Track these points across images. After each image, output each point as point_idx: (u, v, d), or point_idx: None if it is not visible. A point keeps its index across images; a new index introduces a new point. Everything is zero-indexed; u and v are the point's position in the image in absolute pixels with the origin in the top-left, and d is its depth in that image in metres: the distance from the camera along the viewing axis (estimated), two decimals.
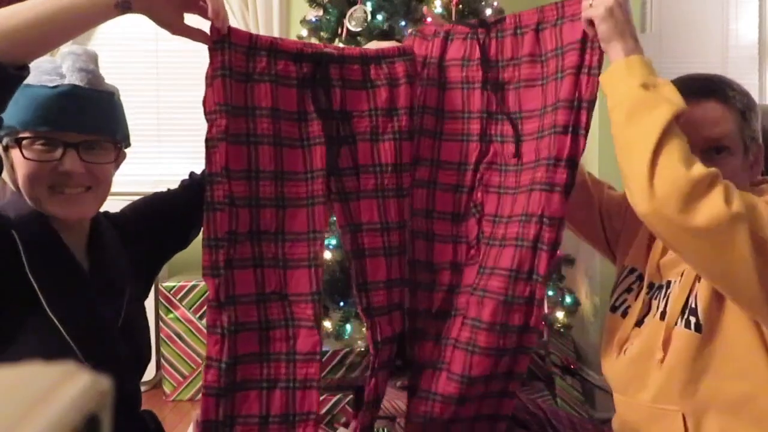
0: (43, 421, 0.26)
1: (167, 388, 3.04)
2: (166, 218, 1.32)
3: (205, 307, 3.02)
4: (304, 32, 2.75)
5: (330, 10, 2.61)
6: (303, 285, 1.20)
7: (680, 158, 1.00)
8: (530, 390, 2.38)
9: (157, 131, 3.49)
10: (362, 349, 2.45)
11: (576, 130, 1.17)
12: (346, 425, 2.34)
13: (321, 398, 2.39)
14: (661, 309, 1.20)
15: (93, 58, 1.15)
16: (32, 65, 1.01)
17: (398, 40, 2.50)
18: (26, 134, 1.08)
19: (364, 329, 2.47)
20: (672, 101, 1.05)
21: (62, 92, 1.08)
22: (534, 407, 1.43)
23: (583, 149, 1.18)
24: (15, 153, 1.09)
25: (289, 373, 1.19)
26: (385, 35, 2.55)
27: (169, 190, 1.37)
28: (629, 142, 1.05)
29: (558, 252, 2.48)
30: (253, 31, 3.27)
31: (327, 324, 2.36)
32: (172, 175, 3.42)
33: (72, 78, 1.09)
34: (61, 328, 1.06)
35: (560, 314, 2.42)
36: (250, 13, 3.28)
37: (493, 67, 1.29)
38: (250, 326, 1.17)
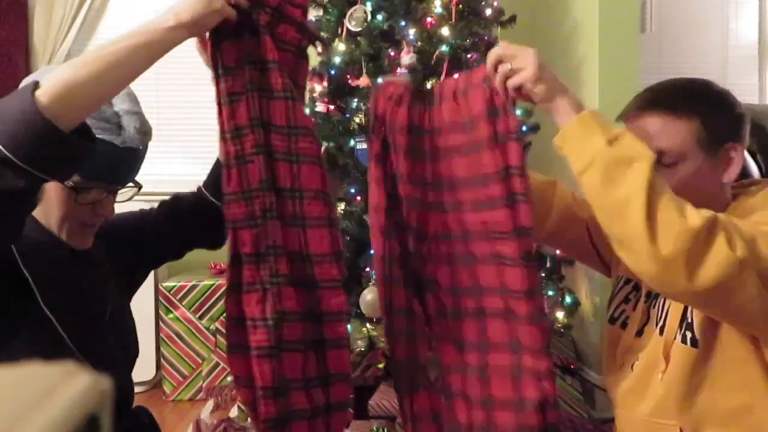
0: (43, 421, 0.26)
1: (167, 388, 3.04)
2: (144, 238, 1.34)
3: (205, 307, 3.03)
4: None
5: (330, 10, 2.61)
6: (324, 245, 1.12)
7: (676, 211, 0.97)
8: None
9: (157, 131, 3.46)
10: (362, 349, 2.45)
11: (514, 198, 1.10)
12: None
13: None
14: (660, 323, 1.19)
15: (138, 102, 1.19)
16: None
17: (398, 41, 2.52)
18: (82, 182, 1.12)
19: (364, 329, 2.48)
20: (641, 152, 1.01)
21: (125, 153, 1.14)
22: None
23: (530, 215, 1.09)
24: (51, 183, 1.08)
25: (317, 332, 1.11)
26: (385, 35, 2.55)
27: (152, 209, 1.39)
28: (615, 207, 1.01)
29: (558, 251, 2.48)
30: None
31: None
32: (172, 175, 3.43)
33: (135, 139, 1.14)
34: (54, 321, 1.07)
35: (560, 314, 2.42)
36: None
37: (427, 135, 1.21)
38: (288, 282, 1.08)
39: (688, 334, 1.13)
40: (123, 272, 1.30)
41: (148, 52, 0.97)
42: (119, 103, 1.14)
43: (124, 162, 1.15)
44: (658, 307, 1.21)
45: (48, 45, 3.29)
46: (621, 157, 1.01)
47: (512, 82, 1.07)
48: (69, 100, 0.90)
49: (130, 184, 1.22)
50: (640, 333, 1.23)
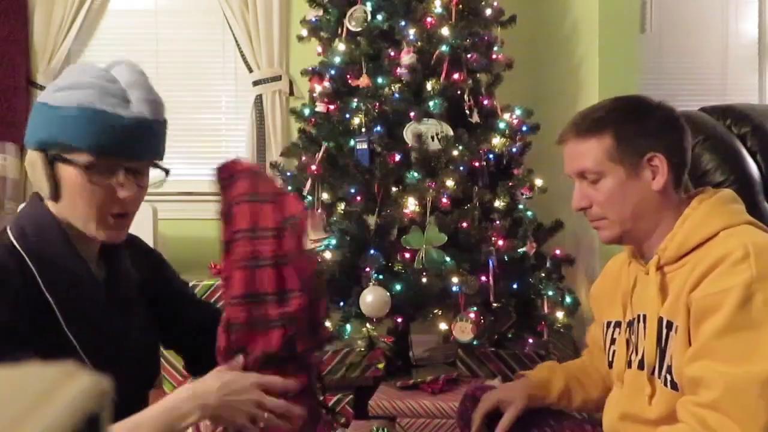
0: (44, 421, 0.26)
1: (167, 388, 3.04)
2: (164, 295, 1.32)
3: None
4: (304, 32, 2.74)
5: (330, 10, 2.61)
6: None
7: None
8: None
9: None
10: (362, 349, 2.45)
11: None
12: (346, 425, 2.34)
13: (320, 398, 2.39)
14: (639, 356, 1.21)
15: (147, 78, 1.16)
16: (95, 84, 1.05)
17: (398, 41, 2.52)
18: (94, 159, 1.07)
19: (364, 329, 2.48)
20: None
21: (134, 123, 1.08)
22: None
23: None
24: (67, 170, 1.08)
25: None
26: (385, 35, 2.55)
27: (194, 294, 1.41)
28: None
29: (558, 251, 2.48)
30: (253, 31, 3.26)
31: (327, 324, 2.36)
32: (172, 175, 3.43)
33: (142, 108, 1.09)
34: (76, 344, 1.06)
35: (560, 314, 2.41)
36: (250, 13, 3.27)
37: None
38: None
39: (668, 377, 1.15)
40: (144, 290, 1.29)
41: None
42: (121, 76, 1.11)
43: (135, 134, 1.09)
44: (637, 333, 1.23)
45: (48, 45, 3.29)
46: None
47: None
48: None
49: (152, 161, 1.18)
50: (630, 363, 1.25)
